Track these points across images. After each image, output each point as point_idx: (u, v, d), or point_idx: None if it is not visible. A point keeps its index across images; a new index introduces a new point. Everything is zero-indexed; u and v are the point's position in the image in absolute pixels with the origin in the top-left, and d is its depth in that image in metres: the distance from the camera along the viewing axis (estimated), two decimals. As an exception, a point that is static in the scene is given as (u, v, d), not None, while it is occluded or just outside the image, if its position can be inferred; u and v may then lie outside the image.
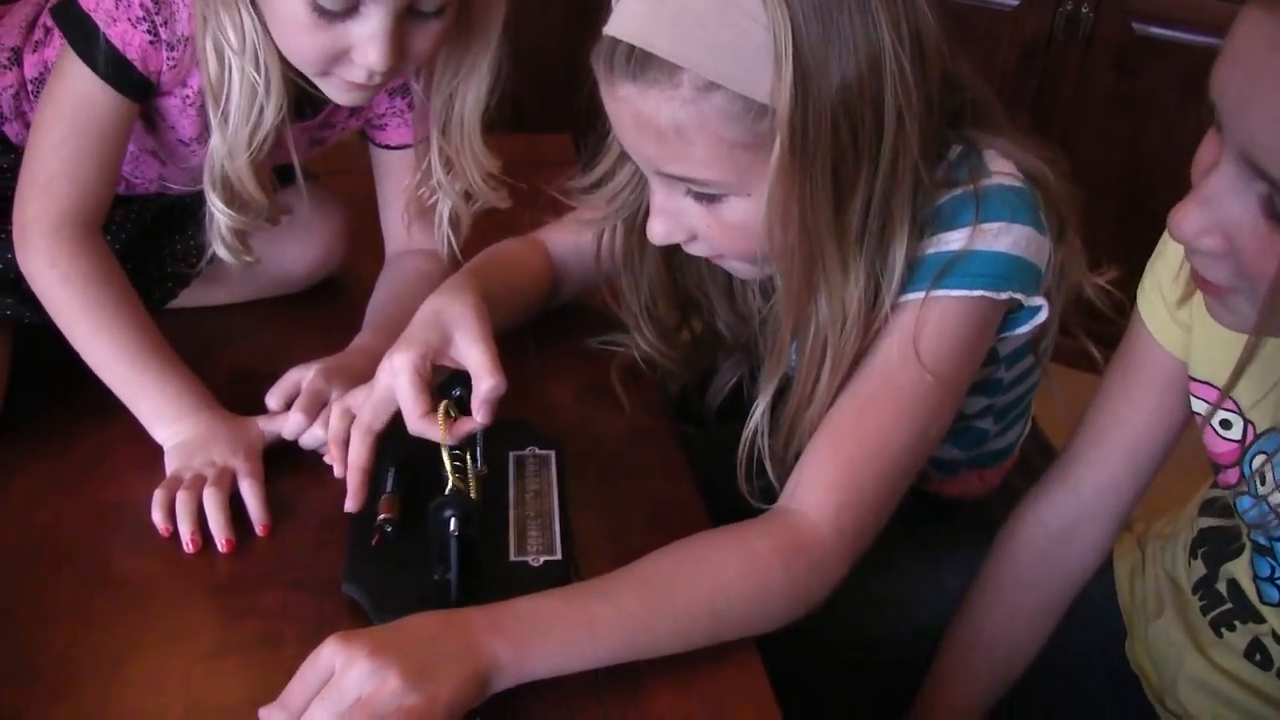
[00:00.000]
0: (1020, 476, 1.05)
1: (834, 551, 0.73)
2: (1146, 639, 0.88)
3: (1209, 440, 0.78)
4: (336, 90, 0.86)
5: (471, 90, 0.93)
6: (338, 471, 0.79)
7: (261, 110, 0.85)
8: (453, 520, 0.71)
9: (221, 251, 0.92)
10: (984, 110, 0.79)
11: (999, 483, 1.04)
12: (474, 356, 0.77)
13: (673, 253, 0.89)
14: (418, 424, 0.76)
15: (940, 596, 0.95)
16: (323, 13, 0.79)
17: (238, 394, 0.89)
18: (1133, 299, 0.84)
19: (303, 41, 0.81)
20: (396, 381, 0.76)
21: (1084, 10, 2.01)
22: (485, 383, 0.76)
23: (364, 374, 0.83)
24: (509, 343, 0.85)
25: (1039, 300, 0.78)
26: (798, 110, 0.67)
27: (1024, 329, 0.80)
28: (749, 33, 0.66)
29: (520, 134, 1.42)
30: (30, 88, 0.93)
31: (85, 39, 0.84)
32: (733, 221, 0.75)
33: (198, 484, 0.80)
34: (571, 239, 1.00)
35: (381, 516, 0.77)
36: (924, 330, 0.74)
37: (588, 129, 0.82)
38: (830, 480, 0.74)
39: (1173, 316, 0.79)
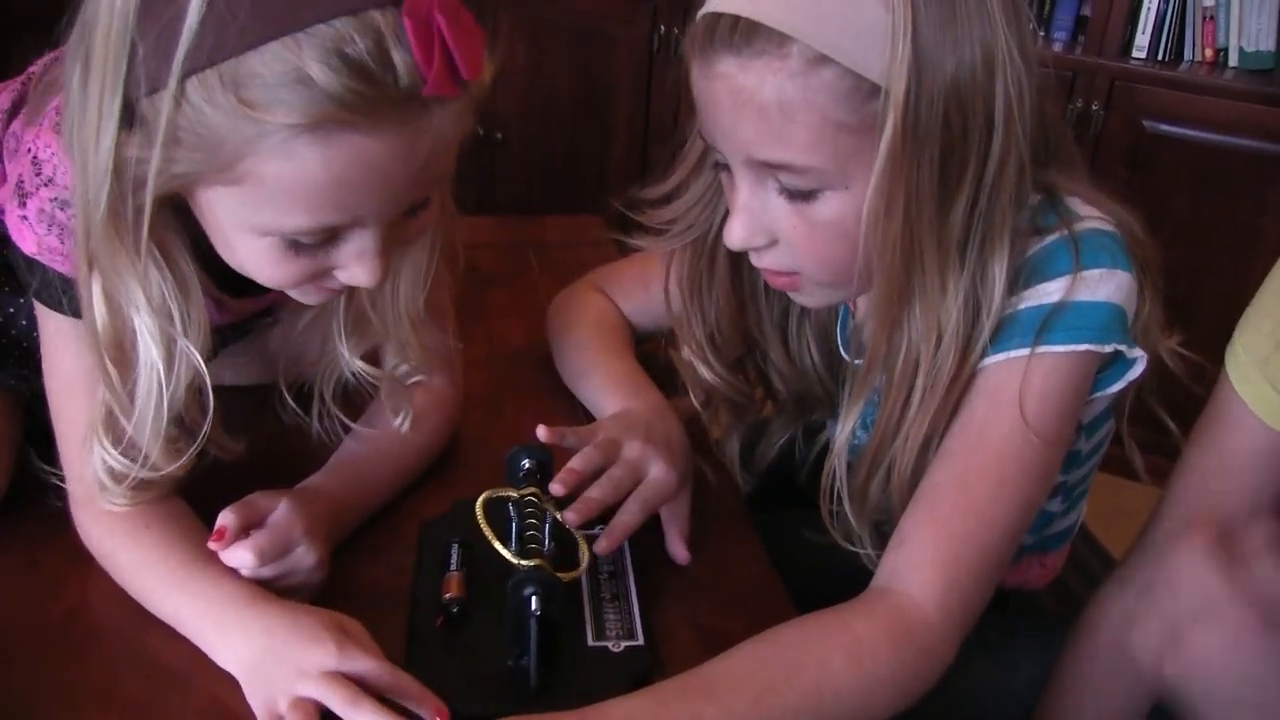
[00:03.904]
0: (1068, 563, 1.00)
1: (942, 635, 0.68)
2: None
3: None
4: (305, 295, 0.74)
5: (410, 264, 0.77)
6: (558, 490, 0.75)
7: (172, 380, 0.70)
8: (534, 599, 0.65)
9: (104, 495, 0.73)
10: (1060, 145, 0.77)
11: (1059, 568, 0.99)
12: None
13: (740, 277, 0.86)
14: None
15: (1000, 692, 0.90)
16: (300, 248, 0.67)
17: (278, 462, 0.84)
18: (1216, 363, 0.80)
19: (274, 272, 0.69)
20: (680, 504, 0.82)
21: (1094, 108, 2.04)
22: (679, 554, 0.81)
23: (327, 517, 0.75)
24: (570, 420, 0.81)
25: (1139, 351, 0.74)
26: (912, 92, 0.65)
27: (1115, 386, 0.76)
28: (864, 8, 0.65)
29: (554, 215, 1.42)
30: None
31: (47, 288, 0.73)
32: (824, 221, 0.70)
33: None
34: (632, 289, 0.99)
35: (448, 595, 0.72)
36: (1028, 390, 0.70)
37: (661, 139, 0.79)
38: (934, 558, 0.69)
39: (1272, 385, 0.76)
